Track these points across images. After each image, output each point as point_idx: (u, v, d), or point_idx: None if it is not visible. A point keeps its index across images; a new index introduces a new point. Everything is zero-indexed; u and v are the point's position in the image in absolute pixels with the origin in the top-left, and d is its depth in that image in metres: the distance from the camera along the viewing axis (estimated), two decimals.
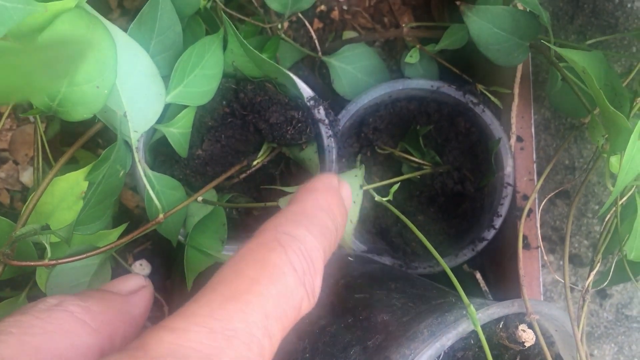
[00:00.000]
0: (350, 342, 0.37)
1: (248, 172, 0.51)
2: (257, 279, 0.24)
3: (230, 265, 0.25)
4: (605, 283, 0.40)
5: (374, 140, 0.54)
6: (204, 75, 0.44)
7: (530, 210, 0.51)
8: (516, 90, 0.50)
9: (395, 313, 0.38)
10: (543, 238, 0.60)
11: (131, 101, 0.41)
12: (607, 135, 0.38)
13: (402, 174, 0.55)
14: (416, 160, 0.53)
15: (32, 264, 0.36)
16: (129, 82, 0.41)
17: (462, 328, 0.34)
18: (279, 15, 0.52)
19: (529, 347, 0.42)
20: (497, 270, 0.53)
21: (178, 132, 0.45)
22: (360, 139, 0.55)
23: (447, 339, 0.34)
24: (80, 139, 0.43)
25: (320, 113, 0.48)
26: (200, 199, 0.48)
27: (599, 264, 0.37)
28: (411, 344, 0.34)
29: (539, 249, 0.49)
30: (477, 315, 0.34)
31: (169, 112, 0.45)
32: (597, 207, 0.62)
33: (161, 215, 0.41)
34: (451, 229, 0.54)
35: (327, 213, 0.29)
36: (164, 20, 0.43)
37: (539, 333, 0.35)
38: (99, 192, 0.34)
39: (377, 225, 0.55)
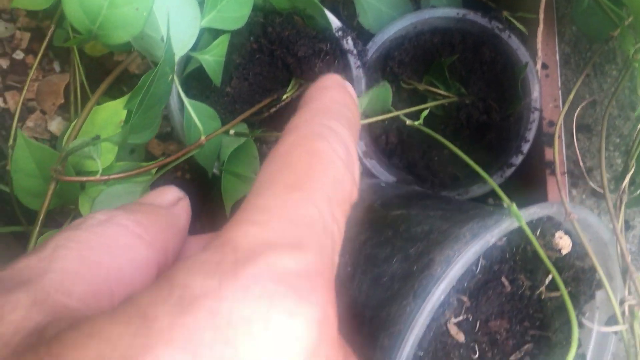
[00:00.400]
0: (392, 252, 0.38)
1: (277, 106, 0.52)
2: (312, 168, 0.24)
3: (278, 159, 0.25)
4: (638, 192, 0.40)
5: (400, 74, 0.55)
6: (236, 1, 0.44)
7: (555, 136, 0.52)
8: (541, 16, 0.50)
9: (434, 224, 0.39)
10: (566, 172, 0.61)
11: (169, 47, 0.42)
12: (638, 41, 0.39)
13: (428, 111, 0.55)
14: (441, 92, 0.54)
15: (84, 179, 0.36)
16: (165, 7, 0.41)
17: (505, 226, 0.35)
18: None
19: (565, 256, 0.43)
20: (523, 198, 0.54)
21: (213, 60, 0.45)
22: (386, 73, 0.55)
23: (491, 235, 0.34)
24: (118, 66, 0.43)
25: (349, 44, 0.49)
26: (232, 131, 0.49)
27: (632, 169, 0.38)
28: (454, 245, 0.35)
29: (565, 175, 0.50)
30: (525, 212, 0.35)
31: (203, 41, 0.46)
32: (618, 140, 0.63)
33: (203, 137, 0.42)
34: (478, 160, 0.55)
35: (345, 106, 0.29)
36: None
37: (579, 232, 0.36)
38: (150, 96, 0.35)
39: (404, 160, 0.55)
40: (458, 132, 0.56)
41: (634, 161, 0.38)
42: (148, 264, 0.26)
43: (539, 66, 0.51)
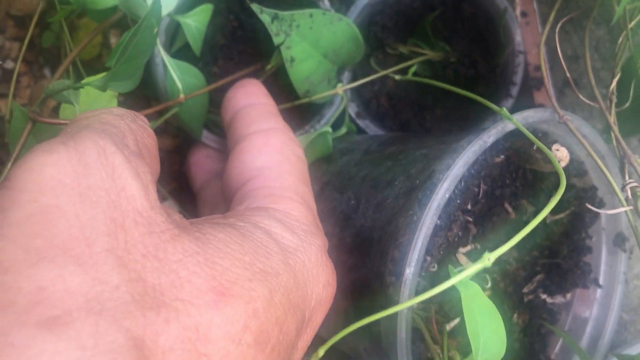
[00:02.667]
0: (394, 176, 0.38)
1: (264, 76, 0.52)
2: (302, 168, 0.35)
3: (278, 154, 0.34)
4: (627, 104, 0.41)
5: (384, 39, 0.56)
6: None
7: (541, 80, 0.53)
8: None
9: (432, 147, 0.39)
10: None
11: None
12: None
13: (416, 72, 0.56)
14: (426, 52, 0.55)
15: (61, 121, 0.36)
16: None
17: (502, 126, 0.35)
18: None
19: (564, 170, 0.43)
20: None
21: (194, 25, 0.46)
22: (371, 40, 0.56)
23: (489, 135, 0.35)
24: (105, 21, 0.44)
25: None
26: None
27: (618, 75, 0.39)
28: (453, 155, 0.35)
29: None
30: (518, 116, 0.36)
31: (184, 7, 0.47)
32: (605, 91, 0.63)
33: (182, 95, 0.43)
34: (470, 114, 0.55)
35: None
36: None
37: (578, 136, 0.36)
38: (134, 45, 0.35)
39: (397, 122, 0.56)
40: (448, 91, 0.56)
41: (618, 69, 0.39)
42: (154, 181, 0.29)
43: (517, 12, 0.52)
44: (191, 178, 0.48)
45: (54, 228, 0.19)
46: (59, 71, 0.38)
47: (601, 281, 0.45)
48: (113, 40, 0.65)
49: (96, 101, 0.45)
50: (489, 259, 0.26)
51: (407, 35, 0.57)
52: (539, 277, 0.45)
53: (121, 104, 0.54)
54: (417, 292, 0.38)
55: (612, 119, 0.34)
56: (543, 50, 0.41)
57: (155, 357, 0.18)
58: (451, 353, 0.31)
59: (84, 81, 0.35)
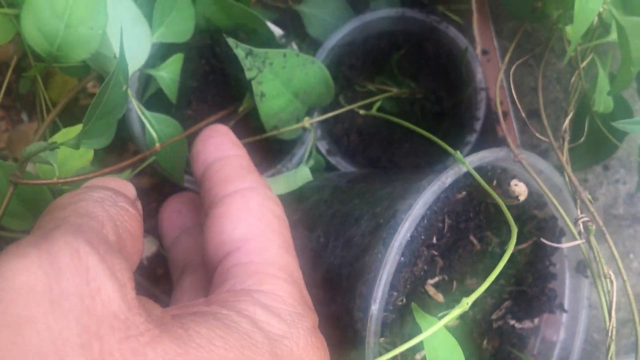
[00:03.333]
0: (360, 215, 0.40)
1: (237, 118, 0.54)
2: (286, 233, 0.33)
3: (252, 214, 0.32)
4: (582, 139, 0.43)
5: (352, 78, 0.58)
6: (180, 17, 0.47)
7: (506, 114, 0.55)
8: (474, 5, 0.54)
9: (396, 186, 0.41)
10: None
11: (122, 56, 0.45)
12: (559, 6, 0.43)
13: (383, 107, 0.58)
14: (393, 89, 0.57)
15: (42, 182, 0.38)
16: (116, 27, 0.44)
17: (459, 168, 0.37)
18: None
19: (525, 208, 0.45)
20: None
21: (168, 77, 0.48)
22: (340, 79, 0.58)
23: (446, 177, 0.37)
24: (78, 84, 0.46)
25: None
26: None
27: (572, 113, 0.41)
28: (415, 195, 0.37)
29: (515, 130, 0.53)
30: (468, 158, 0.38)
31: (157, 61, 0.49)
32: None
33: (158, 144, 0.44)
34: (436, 149, 0.57)
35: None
36: None
37: (532, 174, 0.38)
38: (104, 102, 0.37)
39: (367, 158, 0.58)
40: (416, 126, 0.58)
41: (572, 107, 0.41)
42: (138, 259, 0.28)
43: (478, 51, 0.55)
44: (162, 235, 0.46)
45: (23, 342, 0.18)
46: (39, 132, 0.39)
47: (566, 306, 0.47)
48: (89, 84, 0.67)
49: (72, 156, 0.47)
50: (467, 303, 0.28)
51: (374, 74, 0.59)
52: (506, 304, 0.47)
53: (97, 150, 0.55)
54: (385, 325, 0.39)
55: (564, 158, 0.36)
56: (499, 88, 0.43)
57: None
58: None
59: (59, 141, 0.37)
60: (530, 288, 0.47)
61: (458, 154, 0.38)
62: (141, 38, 0.45)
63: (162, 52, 0.49)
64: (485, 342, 0.47)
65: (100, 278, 0.20)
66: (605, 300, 0.33)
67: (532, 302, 0.46)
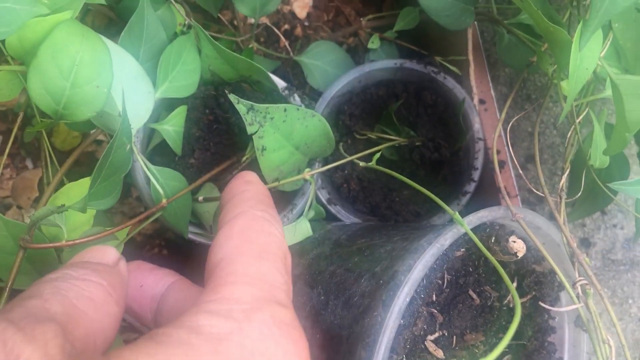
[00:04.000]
0: (360, 273, 0.41)
1: (239, 168, 0.55)
2: (268, 244, 0.33)
3: (237, 235, 0.33)
4: (579, 194, 0.44)
5: (352, 126, 0.59)
6: (185, 70, 0.48)
7: (504, 163, 0.56)
8: (470, 57, 0.55)
9: (396, 243, 0.42)
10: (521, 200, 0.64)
11: (124, 118, 0.46)
12: (554, 62, 0.43)
13: (382, 155, 0.59)
14: (392, 137, 0.58)
15: (51, 245, 0.38)
16: (120, 86, 0.45)
17: (457, 229, 0.38)
18: (250, 24, 0.58)
19: (524, 263, 0.45)
20: None
21: (172, 130, 0.49)
22: (339, 127, 0.59)
23: (445, 239, 0.37)
24: (83, 142, 0.47)
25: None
26: (201, 198, 0.52)
27: (568, 170, 0.41)
28: (414, 255, 0.38)
29: (515, 188, 0.53)
30: (467, 218, 0.38)
31: (162, 113, 0.49)
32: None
33: (164, 200, 0.45)
34: (436, 194, 0.58)
35: (267, 197, 0.38)
36: (150, 29, 0.48)
37: (530, 234, 0.39)
38: (109, 164, 0.37)
39: (367, 205, 0.59)
40: (414, 173, 0.59)
41: (568, 163, 0.42)
42: (117, 319, 0.30)
43: (476, 101, 0.55)
44: (139, 317, 0.43)
45: None
46: (47, 193, 0.40)
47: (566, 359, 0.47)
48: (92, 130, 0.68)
49: (76, 214, 0.47)
50: None
51: (373, 121, 0.60)
52: (506, 358, 0.47)
53: None
54: None
55: (561, 218, 0.37)
56: (497, 137, 0.44)
57: None
58: None
59: (64, 199, 0.37)
60: (529, 342, 0.47)
61: (457, 215, 0.38)
62: (144, 95, 0.46)
63: (166, 104, 0.50)
64: None
65: (17, 346, 0.22)
66: None
67: (532, 356, 0.47)
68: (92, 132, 0.50)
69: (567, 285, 0.35)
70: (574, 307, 0.34)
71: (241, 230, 0.33)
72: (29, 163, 0.66)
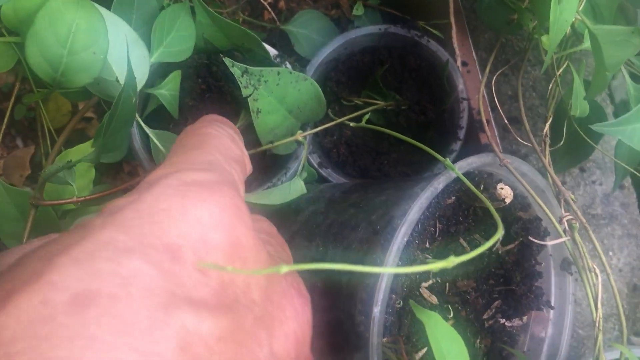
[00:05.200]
0: (357, 223, 0.42)
1: None
2: (205, 139, 0.31)
3: (178, 141, 0.32)
4: (561, 142, 0.46)
5: (339, 92, 0.60)
6: (180, 36, 0.50)
7: (487, 122, 0.58)
8: (452, 20, 0.57)
9: (390, 194, 0.43)
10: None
11: (121, 68, 0.47)
12: (534, 18, 0.45)
13: (370, 120, 0.61)
14: (379, 102, 0.60)
15: (62, 202, 0.40)
16: (116, 52, 0.46)
17: (449, 175, 0.40)
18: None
19: (510, 210, 0.48)
20: None
21: (168, 94, 0.50)
22: (327, 94, 0.61)
23: (438, 182, 0.39)
24: (83, 107, 0.48)
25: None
26: None
27: (551, 118, 0.43)
28: (409, 201, 0.39)
29: (496, 137, 0.55)
30: (458, 164, 0.40)
31: (157, 80, 0.51)
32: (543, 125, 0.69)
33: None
34: (423, 157, 0.60)
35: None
36: None
37: (517, 177, 0.41)
38: (117, 117, 0.39)
39: (356, 168, 0.60)
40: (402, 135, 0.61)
41: (551, 112, 0.44)
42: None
43: (459, 63, 0.57)
44: None
45: None
46: (51, 156, 0.41)
47: (553, 303, 0.49)
48: (81, 106, 0.68)
49: (78, 175, 0.48)
50: (454, 261, 0.28)
51: (360, 88, 0.61)
52: (496, 303, 0.49)
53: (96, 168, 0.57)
54: (386, 327, 0.41)
55: (546, 160, 0.39)
56: (482, 97, 0.46)
57: None
58: None
59: (75, 159, 0.38)
60: (518, 287, 0.49)
61: (448, 161, 0.40)
62: (140, 60, 0.47)
63: (160, 71, 0.51)
64: (478, 341, 0.49)
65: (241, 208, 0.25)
66: (592, 292, 0.35)
67: (520, 301, 0.49)
68: (81, 108, 0.51)
69: (554, 221, 0.37)
70: (561, 240, 0.36)
71: (183, 136, 0.33)
72: (19, 142, 0.66)
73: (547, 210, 0.38)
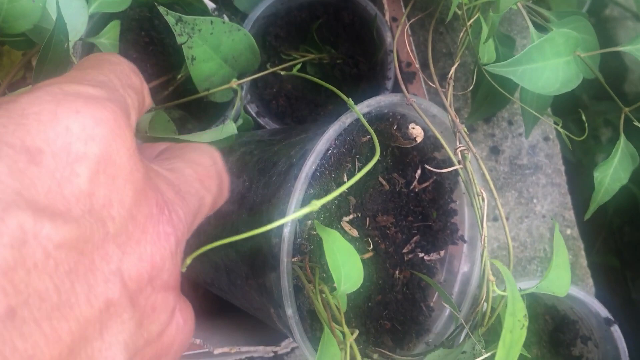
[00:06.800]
0: (278, 159, 0.46)
1: (175, 84, 0.59)
2: (102, 62, 0.30)
3: (77, 65, 0.31)
4: (470, 88, 0.50)
5: (278, 47, 0.64)
6: None
7: (414, 74, 0.62)
8: None
9: (309, 132, 0.47)
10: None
11: (59, 17, 0.49)
12: None
13: (307, 73, 0.65)
14: (316, 56, 0.63)
15: None
16: (54, 1, 0.49)
17: (359, 109, 0.43)
18: None
19: (424, 149, 0.52)
20: None
21: (108, 43, 0.53)
22: (266, 48, 0.64)
23: (346, 117, 0.43)
24: (25, 56, 0.51)
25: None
26: None
27: (458, 62, 0.47)
28: (321, 136, 0.43)
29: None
30: (366, 102, 0.44)
31: (99, 28, 0.54)
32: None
33: None
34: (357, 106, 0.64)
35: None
36: None
37: (425, 119, 0.45)
38: (48, 62, 0.42)
39: (295, 118, 0.64)
40: (337, 88, 0.64)
41: (458, 58, 0.48)
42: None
43: (387, 18, 0.61)
44: None
45: None
46: None
47: (466, 238, 0.54)
48: (34, 63, 0.71)
49: None
50: (316, 204, 0.30)
51: (298, 43, 0.65)
52: (415, 238, 0.53)
53: None
54: (303, 253, 0.45)
55: (448, 100, 0.43)
56: (395, 47, 0.49)
57: None
58: (321, 286, 0.39)
59: None
60: (435, 223, 0.53)
61: (350, 100, 0.44)
62: (78, 10, 0.50)
63: (102, 23, 0.54)
64: (397, 272, 0.53)
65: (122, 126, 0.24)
66: (479, 214, 0.40)
67: (437, 236, 0.53)
68: (31, 51, 0.53)
69: (450, 152, 0.41)
70: (454, 168, 0.41)
71: (83, 60, 0.31)
72: None
73: (444, 144, 0.42)
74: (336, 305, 0.37)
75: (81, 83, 0.25)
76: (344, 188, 0.34)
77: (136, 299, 0.24)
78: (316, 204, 0.30)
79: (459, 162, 0.41)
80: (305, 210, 0.30)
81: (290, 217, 0.32)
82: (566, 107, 0.63)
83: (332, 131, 0.42)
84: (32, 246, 0.20)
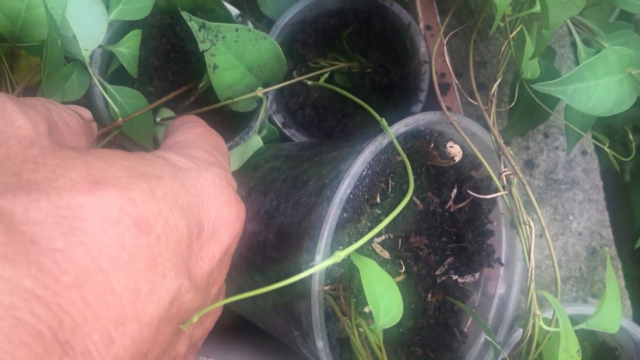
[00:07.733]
0: (308, 178, 0.43)
1: (197, 94, 0.57)
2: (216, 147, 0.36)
3: (173, 128, 0.39)
4: (512, 105, 0.47)
5: (306, 54, 0.61)
6: None
7: (449, 85, 0.59)
8: None
9: (341, 150, 0.45)
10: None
11: (78, 24, 0.47)
12: None
13: (336, 82, 0.62)
14: (344, 64, 0.60)
15: None
16: (73, 9, 0.47)
17: (395, 129, 0.41)
18: None
19: (462, 169, 0.49)
20: None
21: (127, 52, 0.51)
22: (294, 56, 0.61)
23: (383, 138, 0.40)
24: (39, 64, 0.48)
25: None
26: (158, 119, 0.54)
27: (500, 78, 0.44)
28: (355, 155, 0.41)
29: (456, 92, 0.56)
30: (404, 120, 0.41)
31: (120, 36, 0.51)
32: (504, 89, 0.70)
33: (120, 119, 0.47)
34: (388, 117, 0.61)
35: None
36: None
37: (465, 138, 0.42)
38: (49, 60, 0.40)
39: (321, 129, 0.61)
40: (366, 99, 0.62)
41: (500, 73, 0.45)
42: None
43: (422, 26, 0.58)
44: None
45: None
46: None
47: (503, 260, 0.51)
48: None
49: None
50: (340, 256, 0.29)
51: (326, 50, 0.62)
52: (449, 260, 0.51)
53: None
54: (334, 279, 0.43)
55: (491, 119, 0.40)
56: (434, 60, 0.46)
57: (25, 225, 0.20)
58: (358, 320, 0.36)
59: None
60: (470, 244, 0.50)
61: (383, 121, 0.41)
62: (97, 17, 0.48)
63: (123, 30, 0.52)
64: (430, 295, 0.51)
65: (15, 115, 0.25)
66: (525, 244, 0.37)
67: (472, 258, 0.50)
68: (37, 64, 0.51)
69: (494, 176, 0.38)
70: (499, 194, 0.38)
71: (198, 132, 0.37)
72: None
73: (487, 166, 0.39)
74: (376, 343, 0.34)
75: (224, 168, 0.32)
76: (372, 234, 0.32)
77: None
78: (339, 255, 0.28)
79: (504, 188, 0.38)
80: (329, 262, 0.28)
81: (317, 268, 0.30)
82: (608, 122, 0.60)
83: (369, 152, 0.39)
84: (175, 307, 0.24)
